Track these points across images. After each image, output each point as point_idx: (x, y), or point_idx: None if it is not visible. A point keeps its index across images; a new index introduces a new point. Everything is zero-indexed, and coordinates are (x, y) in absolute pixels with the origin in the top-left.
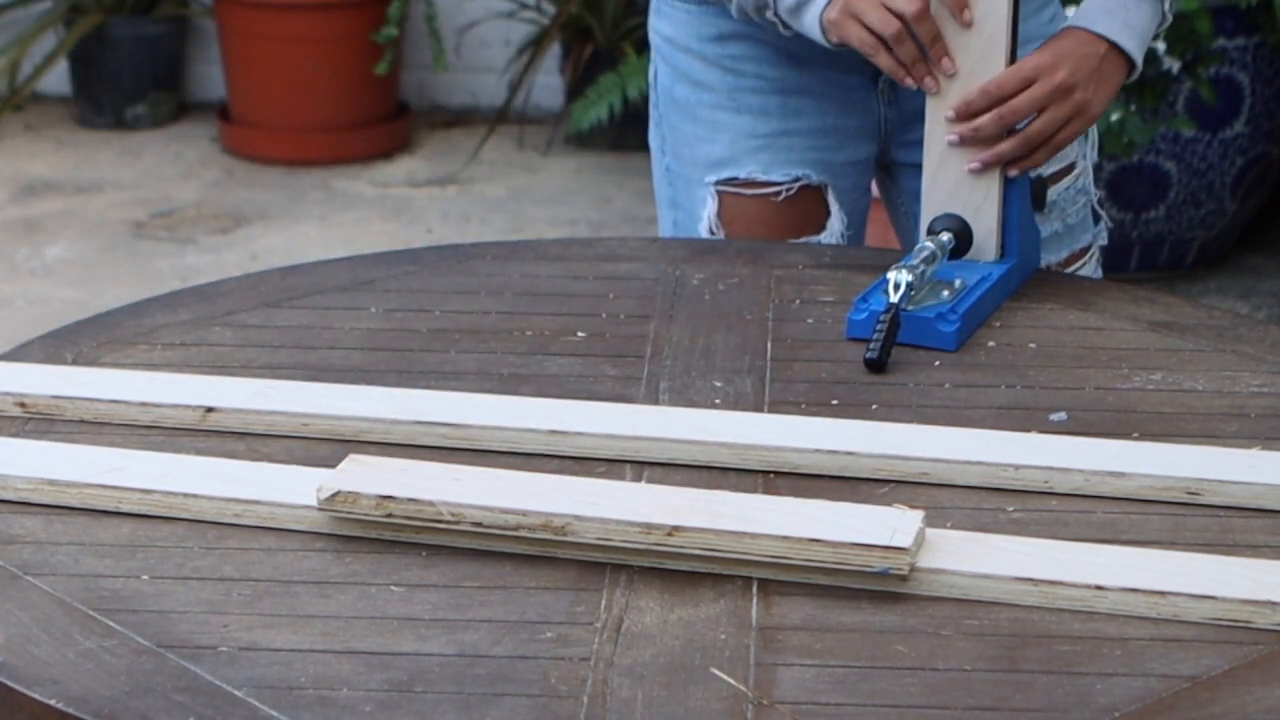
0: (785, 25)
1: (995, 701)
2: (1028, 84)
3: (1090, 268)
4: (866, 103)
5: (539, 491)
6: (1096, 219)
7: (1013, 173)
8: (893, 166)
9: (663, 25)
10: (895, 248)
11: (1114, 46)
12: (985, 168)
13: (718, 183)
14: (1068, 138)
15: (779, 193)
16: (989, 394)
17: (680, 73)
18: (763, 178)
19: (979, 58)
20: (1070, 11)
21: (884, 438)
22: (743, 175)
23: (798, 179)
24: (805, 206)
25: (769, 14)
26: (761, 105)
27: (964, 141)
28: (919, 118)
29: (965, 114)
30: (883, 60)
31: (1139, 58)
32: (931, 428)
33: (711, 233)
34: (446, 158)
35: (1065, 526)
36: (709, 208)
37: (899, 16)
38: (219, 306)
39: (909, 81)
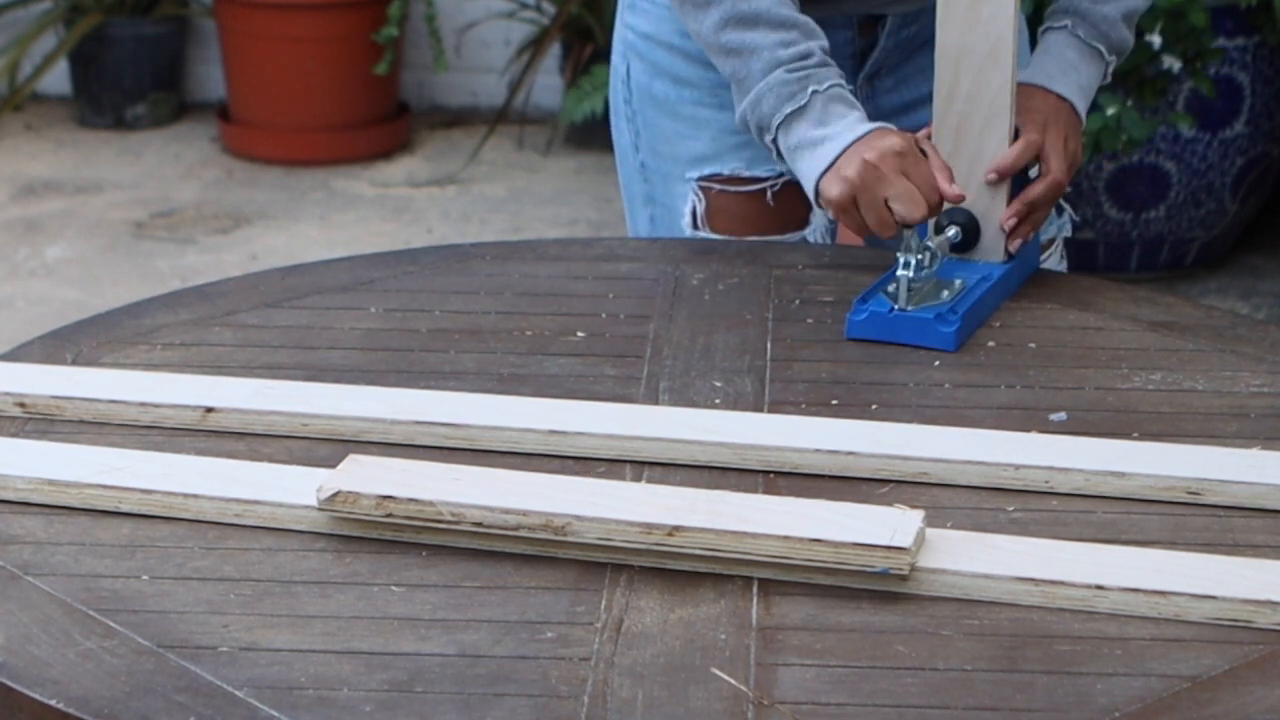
0: (780, 157)
1: (995, 701)
2: (1033, 146)
3: (1054, 260)
4: None
5: (539, 491)
6: (1060, 211)
7: (1015, 244)
8: None
9: (640, 22)
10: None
11: (1070, 105)
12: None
13: (700, 179)
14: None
15: (764, 189)
16: (989, 394)
17: (659, 69)
18: (746, 173)
19: (986, 58)
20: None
21: (884, 438)
22: (726, 171)
23: (781, 175)
24: (789, 202)
25: (768, 139)
26: None
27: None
28: (895, 114)
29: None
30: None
31: (1084, 117)
32: (931, 428)
33: (696, 229)
34: (446, 158)
35: (1066, 526)
36: (691, 203)
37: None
38: (219, 306)
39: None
